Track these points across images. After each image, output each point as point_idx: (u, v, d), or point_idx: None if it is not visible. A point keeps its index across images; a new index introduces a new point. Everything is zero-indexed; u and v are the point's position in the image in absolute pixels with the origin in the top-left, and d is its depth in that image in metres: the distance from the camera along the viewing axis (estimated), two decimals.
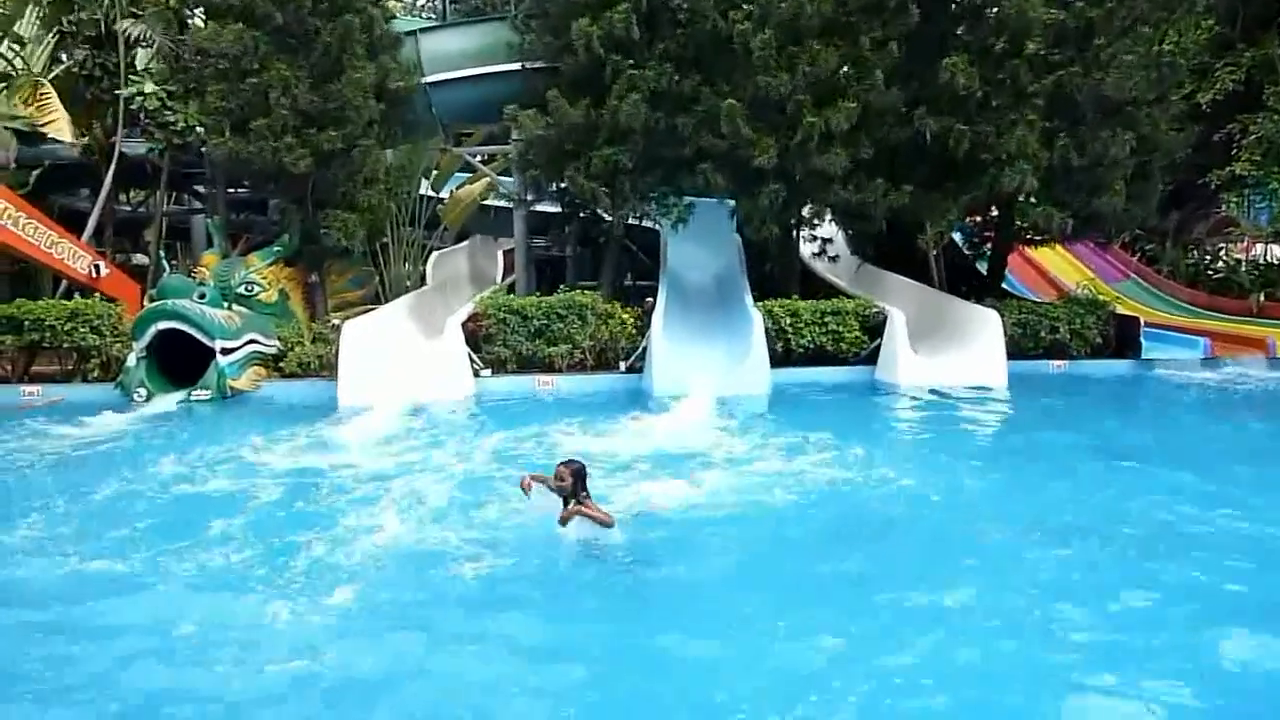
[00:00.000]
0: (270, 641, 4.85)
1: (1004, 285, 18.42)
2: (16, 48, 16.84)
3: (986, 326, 13.89)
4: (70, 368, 14.53)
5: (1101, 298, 16.58)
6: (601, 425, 10.62)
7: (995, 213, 17.36)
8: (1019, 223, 16.48)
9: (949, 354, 13.99)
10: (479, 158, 20.30)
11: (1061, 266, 22.04)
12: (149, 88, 16.08)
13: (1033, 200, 14.94)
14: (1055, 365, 14.86)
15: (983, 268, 18.57)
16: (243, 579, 5.84)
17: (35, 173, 18.59)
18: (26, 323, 13.98)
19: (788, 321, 14.42)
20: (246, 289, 15.18)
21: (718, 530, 6.71)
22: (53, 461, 9.55)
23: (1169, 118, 15.10)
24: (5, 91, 17.39)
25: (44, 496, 8.00)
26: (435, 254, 20.15)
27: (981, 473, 8.68)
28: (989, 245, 18.18)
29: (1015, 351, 14.23)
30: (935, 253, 17.05)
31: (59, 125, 16.52)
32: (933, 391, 12.93)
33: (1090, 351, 15.24)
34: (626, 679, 4.53)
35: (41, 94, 16.76)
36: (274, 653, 4.70)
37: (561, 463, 6.11)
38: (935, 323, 14.95)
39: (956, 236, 19.49)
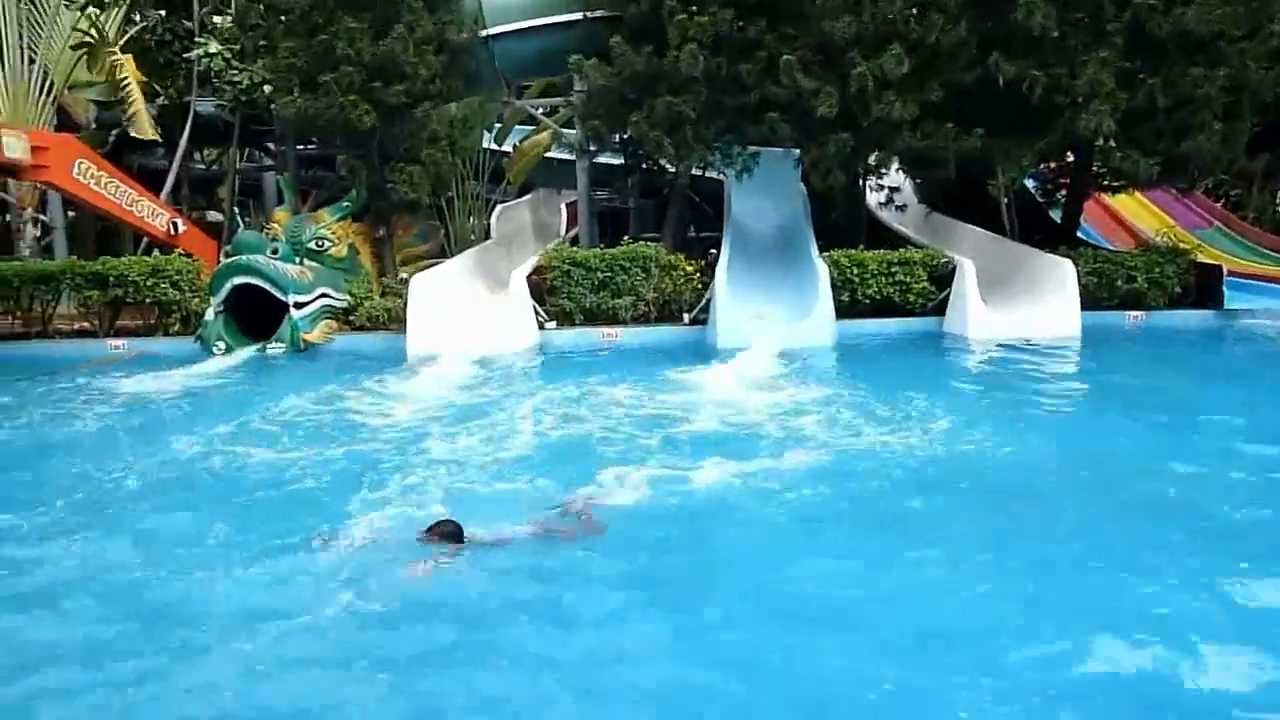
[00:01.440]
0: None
1: (1079, 234, 17.87)
2: (96, 11, 17.22)
3: (1060, 276, 13.52)
4: (153, 322, 15.06)
5: (1182, 246, 15.97)
6: (664, 377, 10.62)
7: (1071, 158, 16.79)
8: (1097, 168, 15.92)
9: (1020, 305, 13.68)
10: (541, 110, 20.28)
11: (1139, 213, 21.23)
12: (214, 47, 16.38)
13: (1112, 144, 14.40)
14: (1132, 317, 14.41)
15: (1056, 216, 18.01)
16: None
17: (114, 133, 19.12)
18: (111, 278, 14.52)
19: (854, 272, 14.23)
20: (317, 244, 15.47)
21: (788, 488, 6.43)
22: (152, 408, 10.12)
23: (1260, 54, 14.34)
24: (85, 59, 17.85)
25: (152, 436, 8.63)
26: (499, 208, 20.26)
27: (1057, 429, 8.36)
28: (1063, 192, 17.62)
29: (1090, 302, 13.83)
30: (1007, 200, 16.58)
31: (138, 109, 16.90)
32: (1003, 344, 12.63)
33: (1169, 302, 14.72)
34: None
35: (114, 62, 17.17)
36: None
37: (433, 525, 5.43)
38: (1006, 273, 14.60)
39: (1029, 183, 18.94)
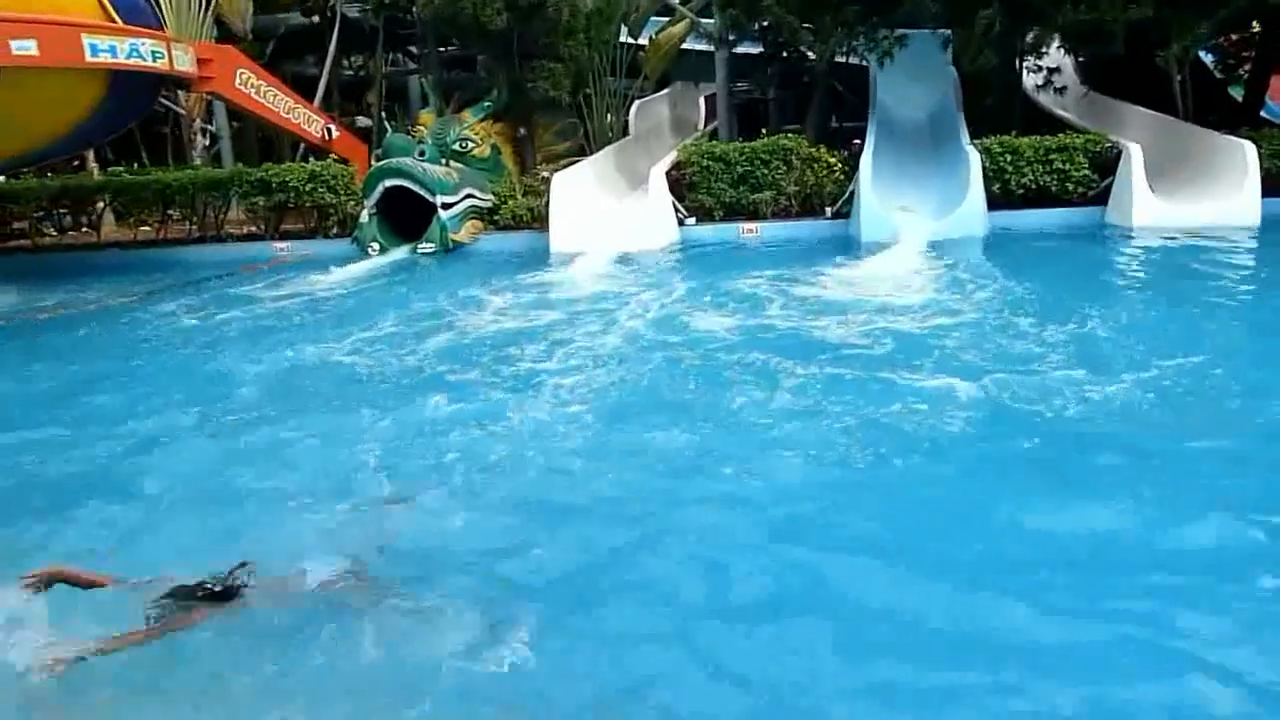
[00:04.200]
0: None
1: (1263, 114, 16.36)
2: None
3: (1239, 159, 12.46)
4: (313, 225, 15.88)
5: None
6: (805, 273, 10.49)
7: (1257, 28, 15.26)
8: None
9: (1192, 192, 12.73)
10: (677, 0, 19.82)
11: None
12: None
13: None
14: None
15: (1237, 94, 16.50)
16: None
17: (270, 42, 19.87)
18: (274, 184, 15.34)
19: (1007, 160, 13.52)
20: (461, 145, 15.83)
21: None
22: (333, 299, 11.04)
23: None
24: None
25: (341, 321, 9.58)
26: (637, 103, 20.14)
27: (1237, 333, 7.61)
28: (1246, 67, 16.08)
29: (1273, 188, 12.72)
30: (1180, 78, 15.28)
31: None
32: (1172, 234, 11.77)
33: None
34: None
35: None
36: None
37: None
38: (1177, 157, 13.56)
39: (1206, 58, 17.36)
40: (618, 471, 5.09)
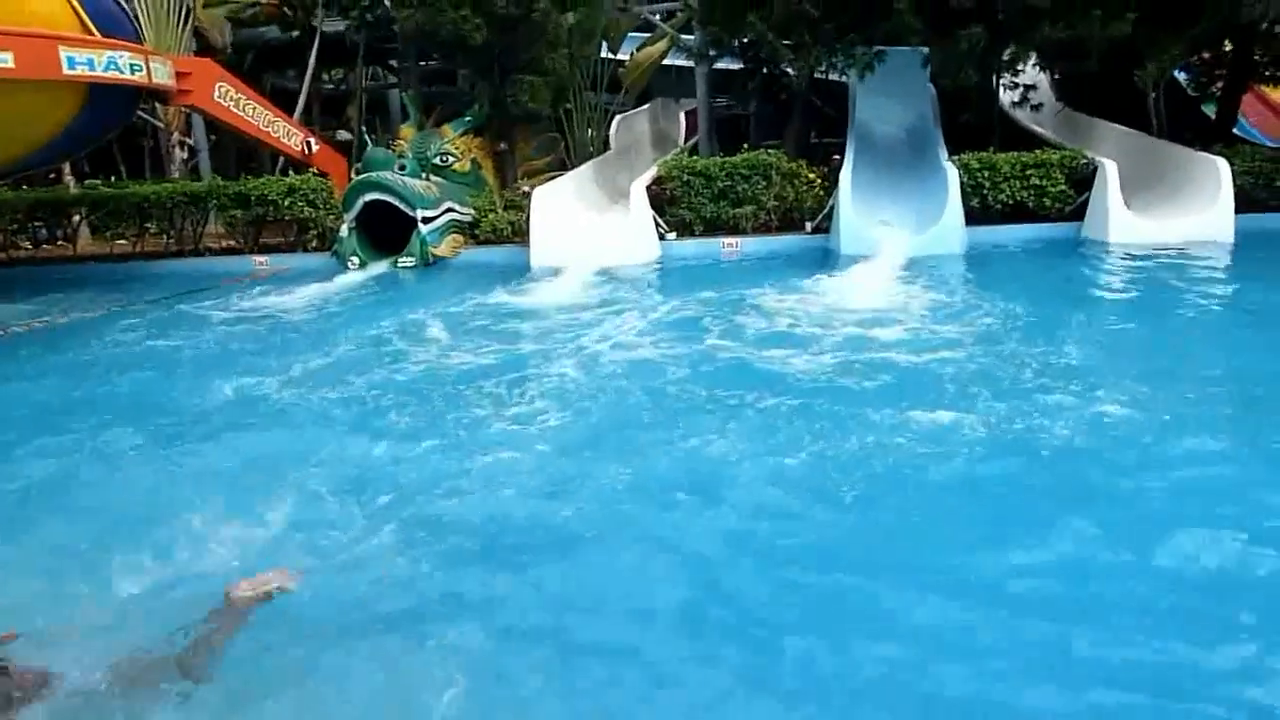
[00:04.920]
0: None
1: (1235, 130, 16.59)
2: None
3: (1213, 176, 12.63)
4: (292, 239, 15.79)
5: None
6: (785, 289, 10.48)
7: (1229, 46, 15.49)
8: (1258, 57, 14.66)
9: (1168, 208, 12.89)
10: (658, 16, 19.92)
11: None
12: None
13: (1277, 30, 13.22)
14: None
15: (1210, 112, 16.73)
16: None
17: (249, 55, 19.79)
18: (253, 198, 15.24)
19: (985, 176, 13.66)
20: (442, 159, 15.81)
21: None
22: (309, 314, 10.89)
23: None
24: None
25: (314, 340, 9.34)
26: (617, 118, 20.19)
27: (1220, 348, 7.68)
28: (1219, 85, 16.32)
29: (1246, 204, 12.90)
30: (1154, 95, 15.49)
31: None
32: (1148, 249, 11.89)
33: None
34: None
35: None
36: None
37: None
38: (1152, 173, 13.74)
39: (1179, 76, 17.61)
40: (578, 509, 4.72)
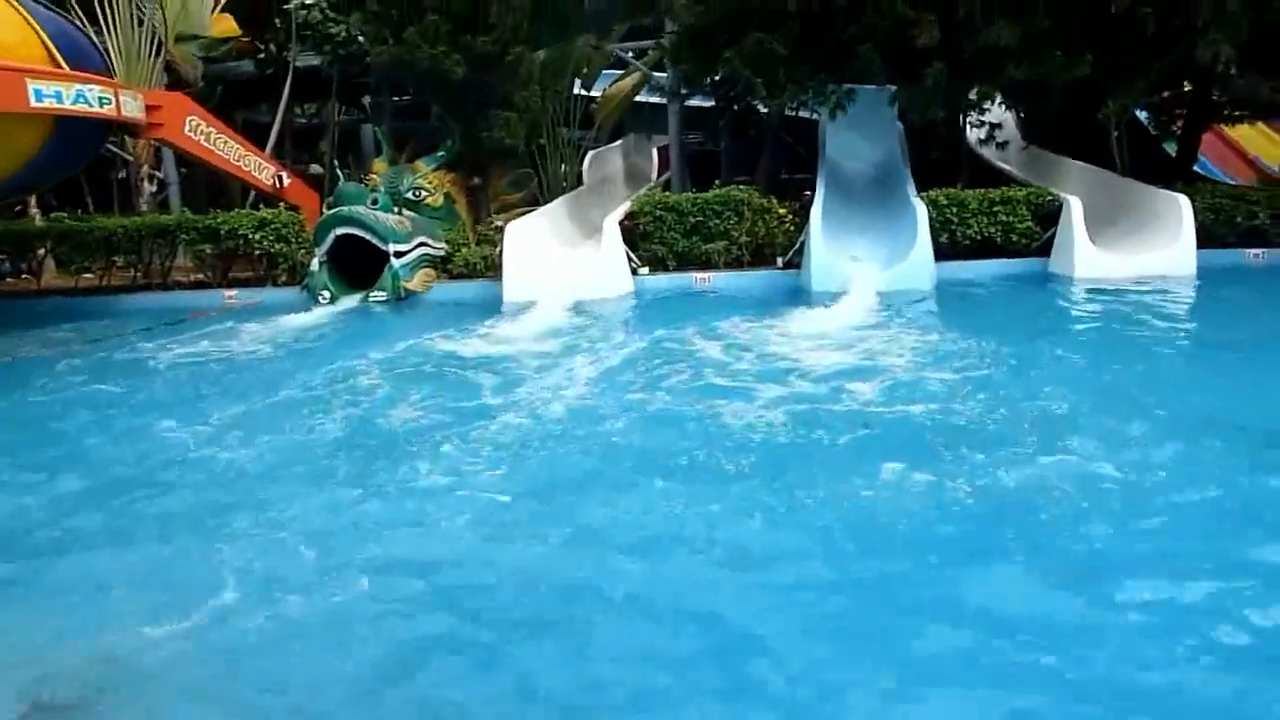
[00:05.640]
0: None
1: (1195, 168, 16.97)
2: None
3: (1175, 212, 12.88)
4: (262, 274, 15.66)
5: None
6: (757, 321, 10.56)
7: (1188, 87, 15.89)
8: (1217, 97, 15.04)
9: (1131, 243, 13.11)
10: (630, 53, 20.13)
11: (1263, 146, 20.06)
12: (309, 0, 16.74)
13: (1233, 72, 13.56)
14: (1253, 254, 13.68)
15: (1172, 149, 17.11)
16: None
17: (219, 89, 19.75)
18: (222, 231, 15.12)
19: (953, 212, 13.84)
20: (414, 194, 15.76)
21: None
22: (281, 350, 10.81)
23: None
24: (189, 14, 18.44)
25: (275, 378, 9.20)
26: (590, 154, 20.32)
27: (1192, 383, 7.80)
28: (1179, 124, 16.71)
29: (1207, 240, 13.16)
30: (1117, 133, 15.83)
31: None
32: (1113, 283, 12.08)
33: None
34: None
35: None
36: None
37: None
38: (1116, 210, 13.99)
39: (1140, 115, 18.02)
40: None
